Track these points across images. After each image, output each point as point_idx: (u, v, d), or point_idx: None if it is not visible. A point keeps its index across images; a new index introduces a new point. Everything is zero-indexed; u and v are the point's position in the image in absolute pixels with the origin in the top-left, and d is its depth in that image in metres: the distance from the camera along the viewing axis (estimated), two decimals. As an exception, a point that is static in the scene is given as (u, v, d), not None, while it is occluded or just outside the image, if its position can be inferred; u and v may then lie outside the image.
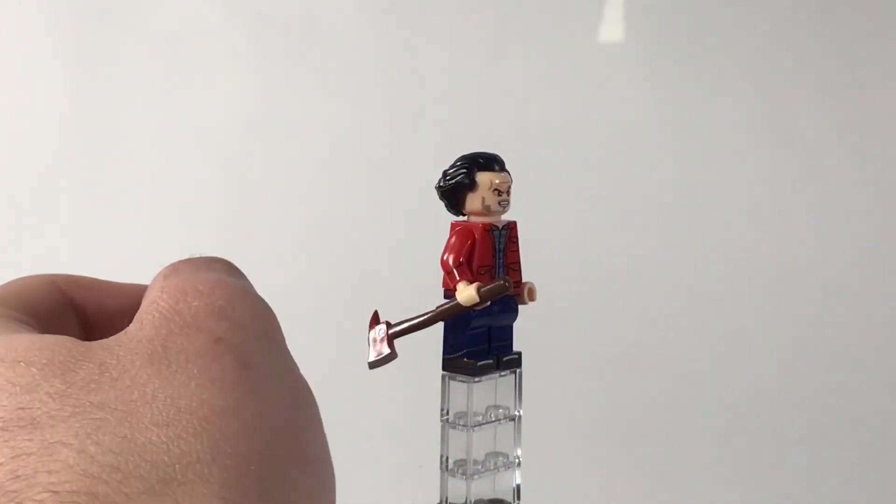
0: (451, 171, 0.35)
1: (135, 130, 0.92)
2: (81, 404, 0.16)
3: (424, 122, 0.91)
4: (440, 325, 0.35)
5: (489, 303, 0.34)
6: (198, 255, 0.22)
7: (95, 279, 0.23)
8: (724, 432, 0.88)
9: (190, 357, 0.18)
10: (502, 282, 0.33)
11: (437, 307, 0.34)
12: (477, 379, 0.35)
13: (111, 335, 0.19)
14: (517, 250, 0.36)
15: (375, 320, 0.35)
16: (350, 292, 0.89)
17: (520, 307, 0.36)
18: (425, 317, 0.34)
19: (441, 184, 0.35)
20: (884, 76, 0.94)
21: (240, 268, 0.22)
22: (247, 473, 0.16)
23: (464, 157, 0.35)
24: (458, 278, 0.33)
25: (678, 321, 0.90)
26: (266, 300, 0.22)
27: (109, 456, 0.15)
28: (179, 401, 0.17)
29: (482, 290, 0.33)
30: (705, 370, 0.90)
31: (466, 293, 0.33)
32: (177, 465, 0.16)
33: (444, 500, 0.37)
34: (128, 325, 0.19)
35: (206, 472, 0.16)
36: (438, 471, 0.37)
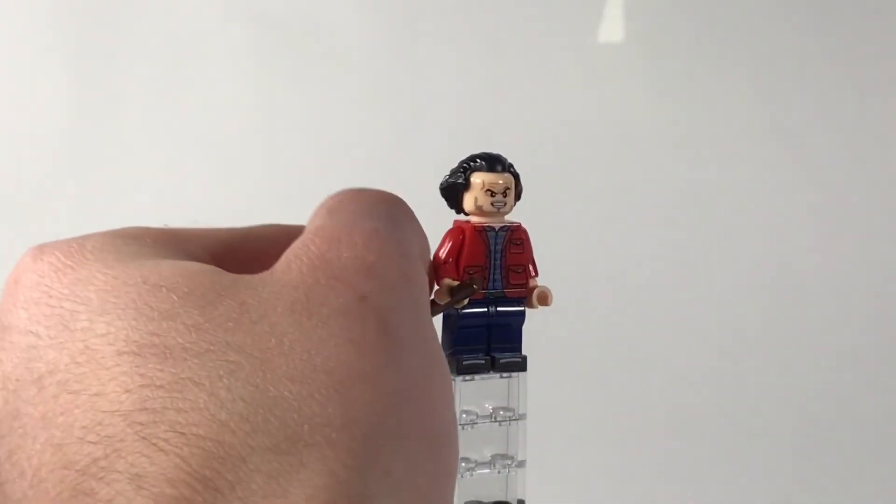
0: (451, 170, 0.35)
1: (135, 130, 0.92)
2: (217, 342, 0.16)
3: (424, 122, 0.91)
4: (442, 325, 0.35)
5: (465, 301, 0.34)
6: (366, 189, 0.21)
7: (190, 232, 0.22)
8: (726, 433, 0.88)
9: (332, 312, 0.17)
10: (470, 283, 0.33)
11: None
12: (465, 378, 0.35)
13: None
14: (522, 253, 0.36)
15: None
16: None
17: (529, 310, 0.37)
18: None
19: (441, 183, 0.35)
20: (886, 75, 0.94)
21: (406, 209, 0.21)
22: (375, 444, 0.16)
23: (466, 158, 0.36)
24: (440, 276, 0.34)
25: (678, 321, 0.90)
26: (428, 249, 0.22)
27: (240, 404, 0.15)
28: (316, 358, 0.16)
29: (453, 289, 0.33)
30: (707, 371, 0.89)
31: (438, 291, 0.33)
32: (306, 426, 0.15)
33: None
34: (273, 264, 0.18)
35: (334, 436, 0.15)
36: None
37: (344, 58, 0.92)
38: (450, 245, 0.34)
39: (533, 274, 0.36)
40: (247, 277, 0.18)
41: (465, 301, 0.34)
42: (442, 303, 0.34)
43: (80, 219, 0.91)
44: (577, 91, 0.92)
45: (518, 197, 0.36)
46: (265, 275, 0.18)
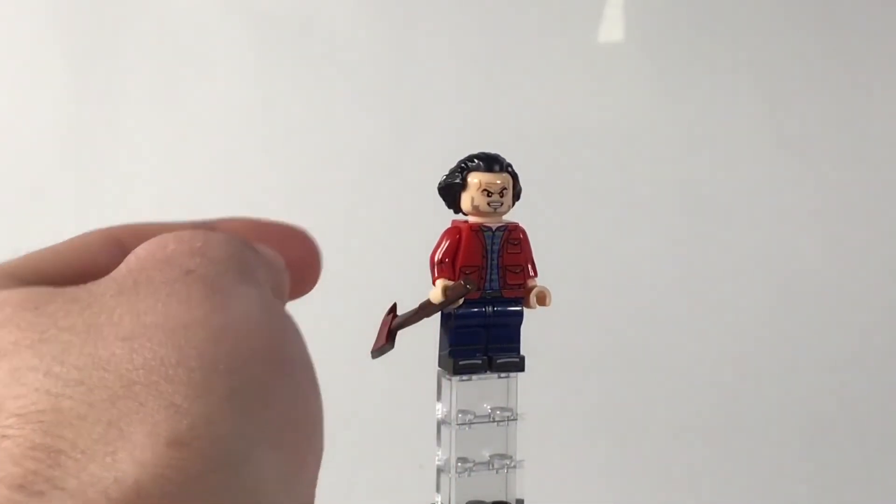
0: (449, 170, 0.35)
1: (135, 130, 0.92)
2: (48, 330, 0.17)
3: (424, 122, 0.91)
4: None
5: (461, 301, 0.34)
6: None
7: (162, 224, 0.22)
8: (726, 433, 0.88)
9: (158, 285, 0.18)
10: (463, 283, 0.33)
11: (419, 304, 0.34)
12: (462, 377, 0.35)
13: None
14: (519, 253, 0.36)
15: (389, 312, 0.35)
16: (350, 292, 0.89)
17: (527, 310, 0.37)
18: (409, 313, 0.34)
19: (439, 183, 0.35)
20: (886, 76, 0.94)
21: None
22: (214, 372, 0.16)
23: (464, 158, 0.36)
24: (436, 276, 0.34)
25: (678, 321, 0.90)
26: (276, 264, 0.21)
27: (74, 372, 0.16)
28: (145, 317, 0.17)
29: (447, 289, 0.33)
30: (707, 371, 0.89)
31: (433, 291, 0.33)
32: (140, 371, 0.16)
33: (443, 499, 0.37)
34: None
35: (170, 373, 0.16)
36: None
37: (344, 58, 0.92)
38: (446, 245, 0.34)
39: (532, 274, 0.36)
40: (78, 285, 0.19)
41: (461, 301, 0.34)
42: (437, 303, 0.34)
43: (80, 216, 0.91)
44: (576, 90, 0.92)
45: (517, 197, 0.36)
46: (97, 280, 0.19)
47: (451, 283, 0.34)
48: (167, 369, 0.16)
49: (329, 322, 0.87)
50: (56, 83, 0.92)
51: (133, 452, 0.15)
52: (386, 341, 0.35)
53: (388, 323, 0.35)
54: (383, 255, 0.89)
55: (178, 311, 0.17)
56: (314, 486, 0.18)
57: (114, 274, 0.18)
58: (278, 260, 0.22)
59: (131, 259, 0.19)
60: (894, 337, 0.92)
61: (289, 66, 0.93)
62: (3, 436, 0.15)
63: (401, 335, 0.35)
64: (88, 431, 0.15)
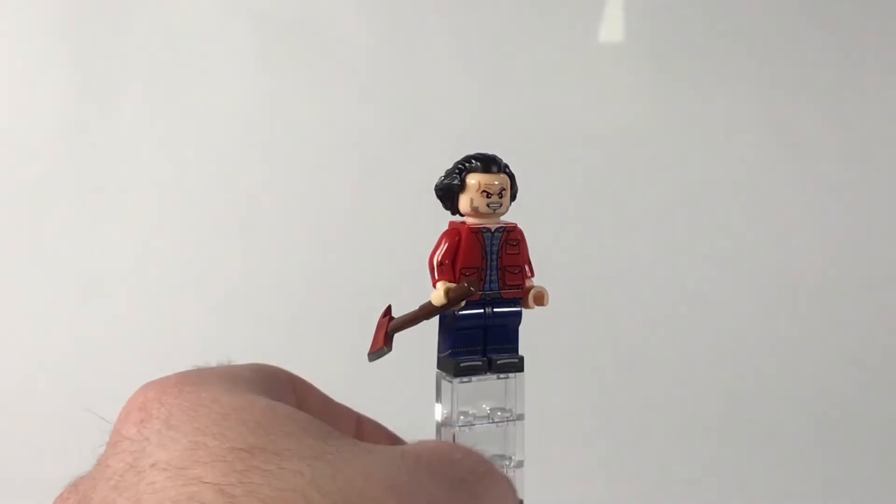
0: (446, 171, 0.35)
1: (135, 130, 0.92)
2: (323, 451, 0.18)
3: (424, 123, 0.91)
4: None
5: (462, 303, 0.34)
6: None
7: (319, 392, 0.26)
8: (725, 433, 0.88)
9: (437, 478, 0.20)
10: (466, 285, 0.33)
11: (420, 306, 0.34)
12: (462, 379, 0.35)
13: None
14: (518, 254, 0.36)
15: (385, 314, 0.35)
16: (351, 292, 0.89)
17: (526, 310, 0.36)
18: (409, 315, 0.34)
19: (436, 184, 0.35)
20: (886, 76, 0.94)
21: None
22: None
23: (461, 159, 0.36)
24: (436, 278, 0.34)
25: (677, 321, 0.90)
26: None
27: (335, 495, 0.17)
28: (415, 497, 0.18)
29: (449, 291, 0.33)
30: (706, 371, 0.89)
31: (435, 294, 0.33)
32: None
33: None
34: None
35: None
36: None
37: (343, 58, 0.92)
38: (445, 247, 0.34)
39: (529, 274, 0.36)
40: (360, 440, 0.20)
41: (463, 303, 0.34)
42: (438, 305, 0.33)
43: (80, 218, 0.91)
44: (577, 90, 0.92)
45: (513, 197, 0.36)
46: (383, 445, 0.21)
47: (453, 285, 0.33)
48: None
49: (329, 321, 0.87)
50: (57, 84, 0.92)
51: None
52: (383, 344, 0.35)
53: (385, 325, 0.35)
54: (384, 255, 0.89)
55: None
56: None
57: (402, 449, 0.20)
58: None
59: (422, 446, 0.21)
60: (894, 337, 0.92)
61: (290, 66, 0.93)
62: None
63: (398, 337, 0.35)
64: None
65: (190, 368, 0.24)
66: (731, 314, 0.91)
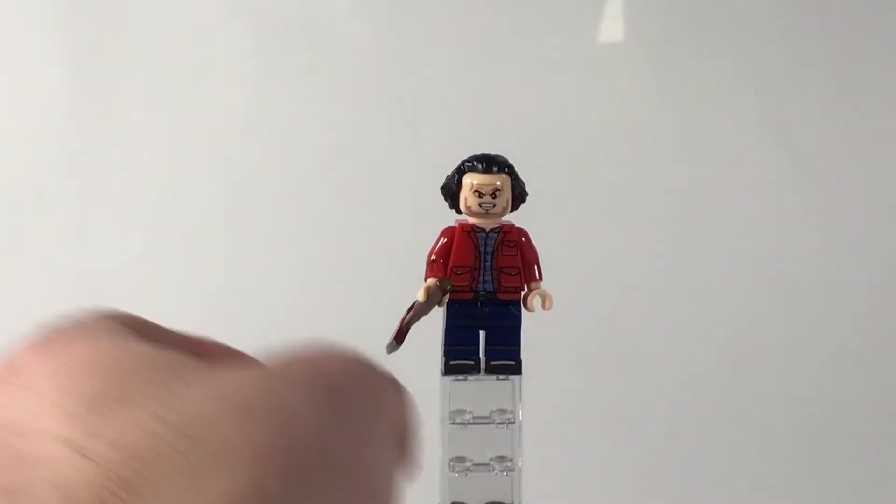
0: (451, 171, 0.36)
1: (135, 130, 0.92)
2: (174, 384, 0.18)
3: (423, 123, 0.91)
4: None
5: (445, 299, 0.34)
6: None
7: (178, 332, 0.25)
8: (726, 436, 0.88)
9: (299, 384, 0.19)
10: (435, 282, 0.34)
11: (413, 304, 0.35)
12: (457, 378, 0.35)
13: None
14: (516, 255, 0.36)
15: (409, 310, 0.36)
16: (351, 293, 0.89)
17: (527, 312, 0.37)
18: (409, 313, 0.35)
19: (442, 183, 0.36)
20: (886, 76, 0.94)
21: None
22: (299, 462, 0.17)
23: (465, 158, 0.36)
24: (426, 275, 0.34)
25: (678, 322, 0.91)
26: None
27: (178, 417, 0.17)
28: (269, 401, 0.18)
29: (428, 289, 0.34)
30: (707, 373, 0.89)
31: (420, 291, 0.33)
32: (237, 437, 0.17)
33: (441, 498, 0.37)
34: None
35: (263, 450, 0.17)
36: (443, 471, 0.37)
37: (343, 58, 0.92)
38: (439, 245, 0.34)
39: (536, 277, 0.36)
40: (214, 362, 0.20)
41: (445, 300, 0.34)
42: (422, 301, 0.34)
43: (80, 218, 0.91)
44: (577, 91, 0.92)
45: (521, 199, 0.36)
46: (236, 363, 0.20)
47: (436, 282, 0.34)
48: (260, 446, 0.17)
49: (329, 321, 0.87)
50: (56, 85, 0.92)
51: None
52: (393, 339, 0.36)
53: (402, 321, 0.35)
54: (385, 255, 0.88)
55: (301, 409, 0.18)
56: None
57: (264, 367, 0.20)
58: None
59: (289, 359, 0.20)
60: (894, 336, 0.92)
61: (290, 66, 0.93)
62: (91, 460, 0.16)
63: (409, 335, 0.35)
64: (169, 479, 0.16)
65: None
66: (731, 314, 0.91)
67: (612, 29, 0.92)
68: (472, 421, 0.36)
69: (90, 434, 0.16)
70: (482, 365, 0.36)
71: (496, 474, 0.37)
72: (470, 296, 0.35)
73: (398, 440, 0.22)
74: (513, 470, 0.38)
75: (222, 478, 0.16)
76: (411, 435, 0.23)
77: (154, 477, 0.15)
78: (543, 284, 0.36)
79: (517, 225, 0.37)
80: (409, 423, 0.23)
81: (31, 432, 0.17)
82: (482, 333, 0.35)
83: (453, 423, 0.36)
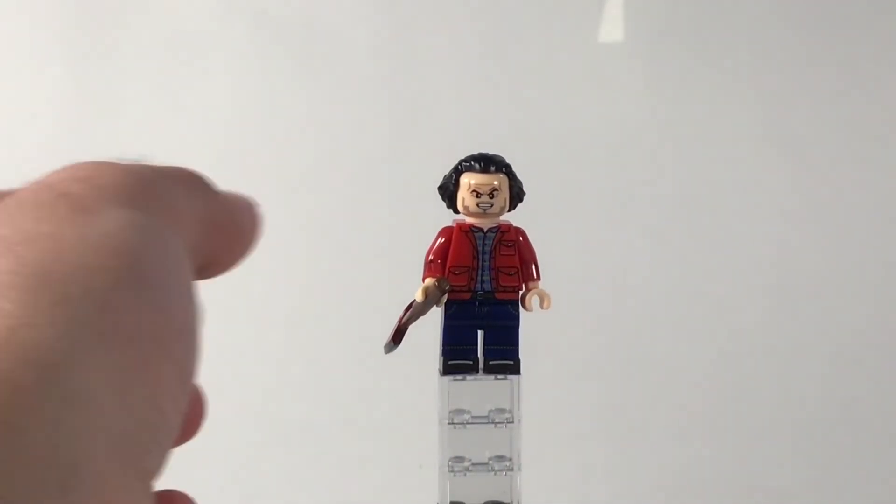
0: (449, 171, 0.36)
1: (134, 130, 0.92)
2: None
3: (423, 123, 0.91)
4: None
5: (444, 299, 0.34)
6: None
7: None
8: (726, 435, 0.88)
9: (28, 204, 0.18)
10: (434, 282, 0.34)
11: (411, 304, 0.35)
12: (455, 377, 0.35)
13: None
14: (514, 255, 0.36)
15: (406, 309, 0.36)
16: (351, 293, 0.89)
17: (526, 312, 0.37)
18: (406, 313, 0.35)
19: (439, 183, 0.36)
20: (886, 76, 0.94)
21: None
22: (48, 280, 0.16)
23: (462, 158, 0.36)
24: (424, 275, 0.34)
25: (678, 321, 0.90)
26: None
27: None
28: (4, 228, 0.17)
29: (426, 289, 0.33)
30: (707, 372, 0.89)
31: (418, 291, 0.33)
32: None
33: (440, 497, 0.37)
34: None
35: (3, 279, 0.16)
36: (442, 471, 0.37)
37: (343, 58, 0.92)
38: (436, 245, 0.34)
39: (534, 277, 0.36)
40: None
41: (444, 299, 0.34)
42: (420, 302, 0.34)
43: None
44: (576, 91, 0.92)
45: (519, 198, 0.36)
46: None
47: (434, 282, 0.34)
48: (1, 276, 0.16)
49: (329, 321, 0.87)
50: (56, 83, 0.92)
51: None
52: (391, 339, 0.35)
53: (400, 320, 0.35)
54: (384, 254, 0.88)
55: (30, 226, 0.17)
56: (170, 398, 0.17)
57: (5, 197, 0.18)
58: (197, 205, 0.21)
59: (24, 186, 0.19)
60: (894, 336, 0.92)
61: (289, 65, 0.93)
62: None
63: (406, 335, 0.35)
64: None
65: None
66: (731, 314, 0.91)
67: (612, 29, 0.92)
68: (470, 421, 0.36)
69: None
70: (481, 365, 0.36)
71: (495, 474, 0.37)
72: (468, 296, 0.35)
73: (200, 239, 0.20)
74: (512, 469, 0.38)
75: None
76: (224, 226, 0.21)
77: None
78: (542, 284, 0.36)
79: (515, 224, 0.37)
80: (216, 214, 0.21)
81: None
82: (480, 333, 0.35)
83: (452, 424, 0.36)
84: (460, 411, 0.35)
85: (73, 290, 0.16)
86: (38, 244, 0.17)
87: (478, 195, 0.34)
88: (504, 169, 0.35)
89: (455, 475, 0.36)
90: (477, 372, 0.36)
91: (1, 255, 0.16)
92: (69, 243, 0.17)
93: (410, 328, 0.35)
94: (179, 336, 0.18)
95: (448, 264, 0.34)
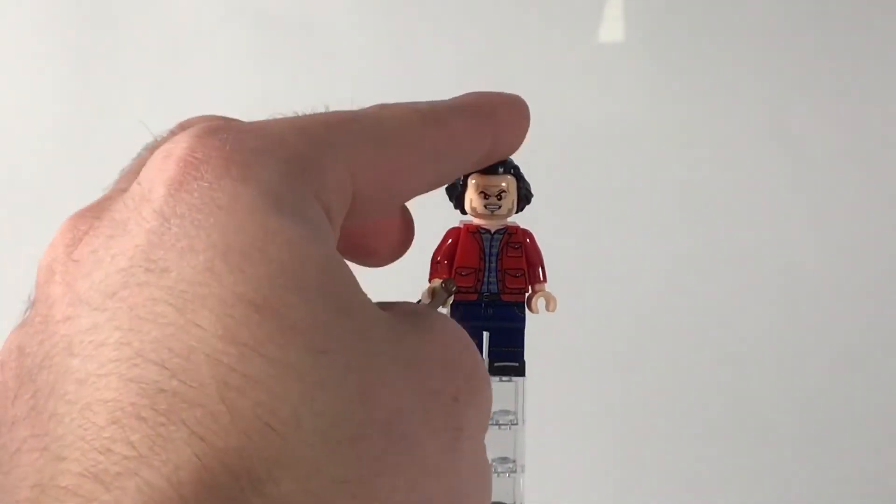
0: None
1: (134, 129, 0.92)
2: (328, 341, 0.16)
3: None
4: None
5: (450, 300, 0.34)
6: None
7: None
8: (729, 437, 0.88)
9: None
10: (441, 283, 0.33)
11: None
12: None
13: None
14: (521, 256, 0.36)
15: None
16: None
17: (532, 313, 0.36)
18: None
19: (447, 185, 0.35)
20: (886, 76, 0.94)
21: None
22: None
23: None
24: (431, 276, 0.34)
25: (679, 322, 0.90)
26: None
27: (326, 424, 0.15)
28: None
29: (433, 291, 0.33)
30: (709, 374, 0.89)
31: (423, 292, 0.33)
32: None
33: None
34: None
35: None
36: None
37: (342, 58, 0.92)
38: (442, 246, 0.34)
39: (541, 279, 0.36)
40: (380, 310, 0.17)
41: (448, 300, 0.34)
42: (427, 303, 0.34)
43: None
44: (576, 91, 0.92)
45: (527, 200, 0.36)
46: (396, 319, 0.18)
47: (440, 283, 0.34)
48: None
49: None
50: (55, 82, 0.92)
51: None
52: None
53: None
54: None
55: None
56: None
57: (407, 354, 0.17)
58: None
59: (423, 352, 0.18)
60: (895, 336, 0.92)
61: (288, 64, 0.93)
62: (233, 418, 0.13)
63: None
64: (297, 497, 0.14)
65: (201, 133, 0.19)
66: (731, 314, 0.91)
67: (612, 29, 0.92)
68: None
69: (239, 374, 0.14)
70: (486, 366, 0.36)
71: (499, 476, 0.37)
72: (474, 297, 0.34)
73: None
74: (515, 471, 0.37)
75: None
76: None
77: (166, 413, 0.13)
78: (547, 286, 0.36)
79: (522, 226, 0.36)
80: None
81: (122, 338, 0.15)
82: (485, 335, 0.35)
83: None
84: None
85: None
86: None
87: (486, 196, 0.34)
88: (512, 170, 0.35)
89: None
90: (481, 374, 0.36)
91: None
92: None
93: None
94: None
95: (455, 265, 0.34)
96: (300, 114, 0.21)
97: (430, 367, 0.17)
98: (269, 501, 0.13)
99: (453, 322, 0.20)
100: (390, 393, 0.16)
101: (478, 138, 0.22)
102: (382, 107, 0.22)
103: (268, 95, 0.93)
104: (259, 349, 0.14)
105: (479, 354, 0.20)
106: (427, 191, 0.22)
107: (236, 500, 0.13)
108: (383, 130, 0.21)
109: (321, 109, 0.25)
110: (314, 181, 0.19)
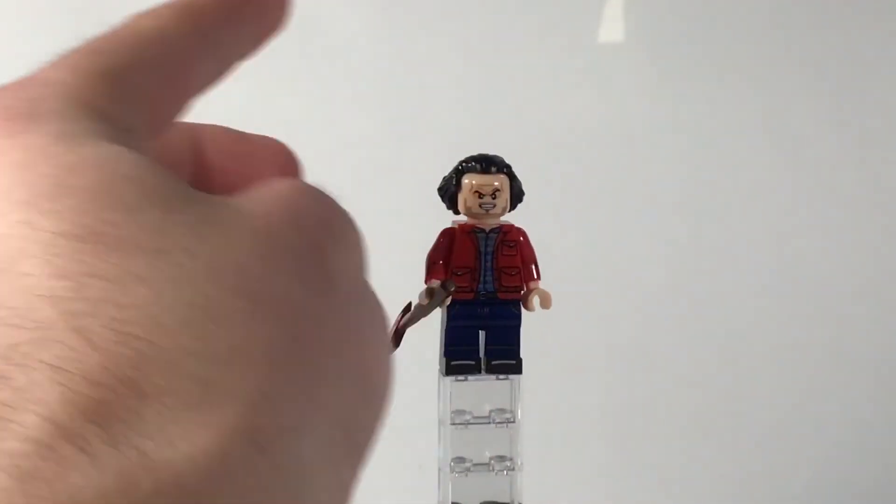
0: (449, 172, 0.36)
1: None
2: (173, 246, 0.15)
3: (422, 122, 0.91)
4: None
5: (447, 300, 0.34)
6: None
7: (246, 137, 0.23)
8: (726, 437, 0.88)
9: (288, 251, 0.17)
10: (438, 285, 0.34)
11: (413, 305, 0.35)
12: (457, 378, 0.35)
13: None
14: (516, 255, 0.36)
15: (403, 311, 0.36)
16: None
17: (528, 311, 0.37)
18: (409, 315, 0.35)
19: (439, 185, 0.36)
20: (886, 76, 0.94)
21: None
22: (315, 373, 0.16)
23: (462, 159, 0.36)
24: (427, 276, 0.34)
25: (679, 322, 0.90)
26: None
27: (184, 309, 0.14)
28: (265, 284, 0.16)
29: (432, 291, 0.34)
30: (708, 373, 0.89)
31: (421, 293, 0.34)
32: (251, 341, 0.15)
33: (441, 498, 0.37)
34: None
35: (274, 357, 0.15)
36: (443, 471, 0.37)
37: (342, 58, 0.92)
38: (437, 247, 0.34)
39: (535, 277, 0.36)
40: (215, 196, 0.17)
41: (448, 301, 0.34)
42: (424, 304, 0.34)
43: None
44: (577, 91, 0.92)
45: (519, 199, 0.36)
46: (235, 199, 0.18)
47: (437, 284, 0.34)
48: (273, 351, 0.15)
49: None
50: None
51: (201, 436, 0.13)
52: (390, 341, 0.35)
53: (398, 322, 0.35)
54: (384, 255, 0.88)
55: (295, 293, 0.17)
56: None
57: (253, 221, 0.17)
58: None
59: (275, 219, 0.18)
60: (895, 336, 0.92)
61: (288, 65, 0.93)
62: (90, 343, 0.14)
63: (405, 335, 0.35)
64: (180, 386, 0.14)
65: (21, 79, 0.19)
66: (731, 314, 0.91)
67: (612, 29, 0.92)
68: (471, 421, 0.36)
69: (82, 298, 0.14)
70: (482, 365, 0.36)
71: (496, 474, 0.37)
72: (471, 296, 0.35)
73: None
74: (513, 469, 0.38)
75: (235, 384, 0.14)
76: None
77: (164, 381, 0.13)
78: (543, 284, 0.37)
79: (517, 225, 0.37)
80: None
81: None
82: (482, 333, 0.35)
83: (454, 424, 0.36)
84: (461, 412, 0.35)
85: (324, 394, 0.17)
86: (307, 324, 0.16)
87: (480, 196, 0.35)
88: (505, 169, 0.36)
89: (457, 476, 0.36)
90: (479, 372, 0.36)
91: (274, 323, 0.15)
92: (332, 334, 0.17)
93: (408, 330, 0.35)
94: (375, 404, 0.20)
95: (453, 265, 0.34)
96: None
97: (279, 227, 0.17)
98: (152, 401, 0.13)
99: (300, 182, 0.20)
100: (238, 262, 0.16)
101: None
102: (138, 16, 0.22)
103: (268, 95, 0.93)
104: (95, 273, 0.14)
105: (334, 201, 0.20)
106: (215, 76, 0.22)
107: (118, 412, 0.13)
108: (145, 36, 0.21)
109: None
110: (98, 104, 0.19)
